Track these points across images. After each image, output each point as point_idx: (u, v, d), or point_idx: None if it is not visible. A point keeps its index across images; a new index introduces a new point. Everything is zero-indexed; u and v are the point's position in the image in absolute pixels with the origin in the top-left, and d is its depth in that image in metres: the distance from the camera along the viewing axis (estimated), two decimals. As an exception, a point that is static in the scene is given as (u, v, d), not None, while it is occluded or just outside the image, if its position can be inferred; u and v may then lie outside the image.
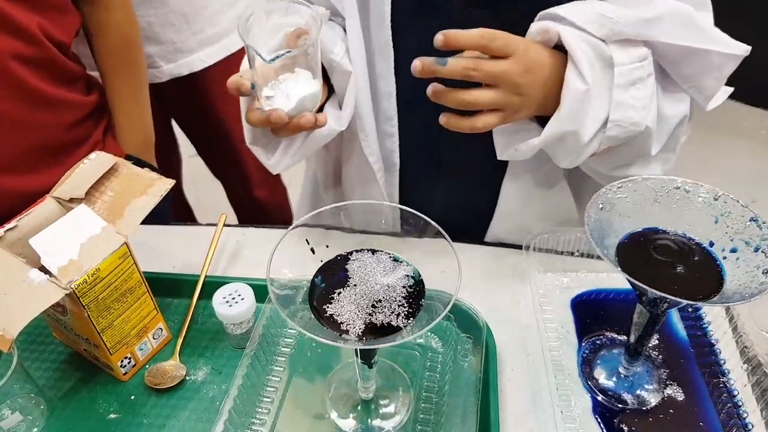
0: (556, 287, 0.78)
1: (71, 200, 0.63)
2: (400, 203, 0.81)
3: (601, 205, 0.59)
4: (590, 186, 0.81)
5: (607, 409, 0.65)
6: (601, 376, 0.68)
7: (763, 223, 0.56)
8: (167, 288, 0.75)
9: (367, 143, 0.80)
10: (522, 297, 0.77)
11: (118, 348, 0.65)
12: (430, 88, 0.63)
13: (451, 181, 0.86)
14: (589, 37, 0.65)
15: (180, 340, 0.71)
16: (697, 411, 0.65)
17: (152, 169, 0.77)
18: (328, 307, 0.53)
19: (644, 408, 0.65)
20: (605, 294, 0.77)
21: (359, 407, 0.65)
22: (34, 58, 0.83)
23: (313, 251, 0.57)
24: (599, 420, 0.65)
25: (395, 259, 0.58)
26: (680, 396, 0.66)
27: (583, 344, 0.72)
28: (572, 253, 0.81)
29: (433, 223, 0.56)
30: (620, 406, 0.65)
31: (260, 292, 0.69)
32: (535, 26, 0.66)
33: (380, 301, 0.53)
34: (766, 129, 2.69)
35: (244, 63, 0.73)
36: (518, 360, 0.70)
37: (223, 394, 0.65)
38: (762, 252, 0.55)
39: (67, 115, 0.91)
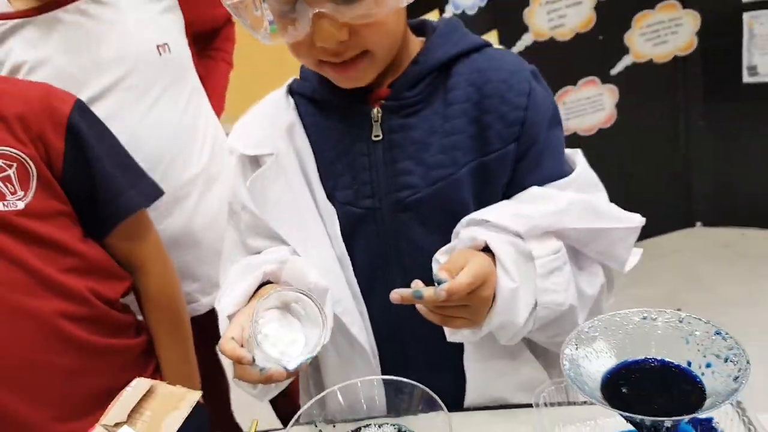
0: (579, 438, 0.80)
1: (116, 425, 0.71)
2: None
3: (576, 346, 0.64)
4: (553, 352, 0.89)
5: None
6: None
7: (726, 334, 0.60)
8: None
9: (360, 334, 0.88)
10: (546, 453, 0.78)
11: None
12: (420, 309, 0.74)
13: (419, 368, 0.89)
14: (510, 238, 0.78)
15: None
16: None
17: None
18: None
19: None
20: (627, 436, 0.78)
21: None
22: (84, 316, 0.96)
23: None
24: None
25: (399, 429, 0.63)
26: None
27: (612, 491, 0.72)
28: (583, 402, 0.83)
29: (425, 388, 0.62)
30: None
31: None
32: (465, 234, 0.80)
33: None
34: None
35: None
36: None
37: None
38: (731, 361, 0.58)
39: (118, 360, 1.02)
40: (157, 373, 1.08)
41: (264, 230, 0.91)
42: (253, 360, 0.70)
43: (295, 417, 0.62)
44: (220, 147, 1.38)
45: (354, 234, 0.87)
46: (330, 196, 0.87)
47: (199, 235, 1.30)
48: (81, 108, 1.00)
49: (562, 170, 0.86)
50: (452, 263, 0.74)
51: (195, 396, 0.73)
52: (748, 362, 0.56)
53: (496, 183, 0.85)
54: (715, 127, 2.75)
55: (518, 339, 0.82)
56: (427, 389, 0.62)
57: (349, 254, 0.88)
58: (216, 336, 1.43)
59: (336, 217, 0.87)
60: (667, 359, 0.63)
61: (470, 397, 0.90)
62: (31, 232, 0.91)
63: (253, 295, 0.83)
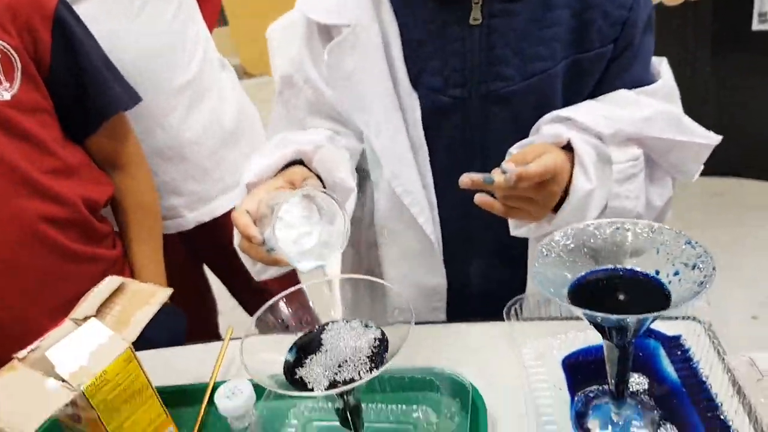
0: (548, 350, 0.80)
1: (85, 319, 0.72)
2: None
3: (545, 252, 0.64)
4: None
5: (604, 458, 0.65)
6: (595, 426, 0.69)
7: (696, 243, 0.59)
8: (180, 398, 0.81)
9: (427, 225, 0.87)
10: (515, 363, 0.79)
11: (130, 451, 0.70)
12: (479, 198, 0.73)
13: (483, 260, 0.94)
14: (592, 140, 0.77)
15: (191, 443, 0.75)
16: (695, 447, 0.64)
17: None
18: (298, 370, 0.58)
19: (641, 451, 0.65)
20: (595, 350, 0.79)
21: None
22: (65, 221, 0.96)
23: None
24: (597, 469, 0.64)
25: (366, 325, 0.63)
26: (675, 433, 0.66)
27: (576, 398, 0.73)
28: (559, 317, 0.84)
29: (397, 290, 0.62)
30: (617, 452, 0.65)
31: (260, 387, 0.74)
32: (547, 129, 0.78)
33: (346, 361, 0.58)
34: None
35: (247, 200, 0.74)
36: (512, 422, 0.71)
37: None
38: (698, 268, 0.58)
39: (97, 269, 1.03)
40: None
41: (327, 109, 0.88)
42: (264, 242, 0.66)
43: (263, 308, 0.61)
44: (211, 62, 1.35)
45: (437, 124, 0.84)
46: (414, 81, 0.82)
47: (186, 150, 1.29)
48: (65, 3, 0.97)
49: (648, 77, 0.84)
50: (525, 153, 0.72)
51: (165, 293, 0.73)
52: (714, 269, 0.56)
53: (587, 83, 0.83)
54: (721, 75, 2.70)
55: None
56: (399, 292, 0.62)
57: (427, 144, 0.84)
58: (203, 251, 1.46)
59: (418, 103, 0.82)
60: (636, 268, 0.63)
61: (530, 291, 0.91)
62: (16, 126, 0.90)
63: (281, 170, 0.80)
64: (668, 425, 0.67)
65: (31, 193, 0.92)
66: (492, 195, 0.73)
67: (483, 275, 0.95)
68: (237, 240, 0.77)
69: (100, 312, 0.72)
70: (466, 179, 0.69)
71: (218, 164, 1.34)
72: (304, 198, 0.69)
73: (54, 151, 0.95)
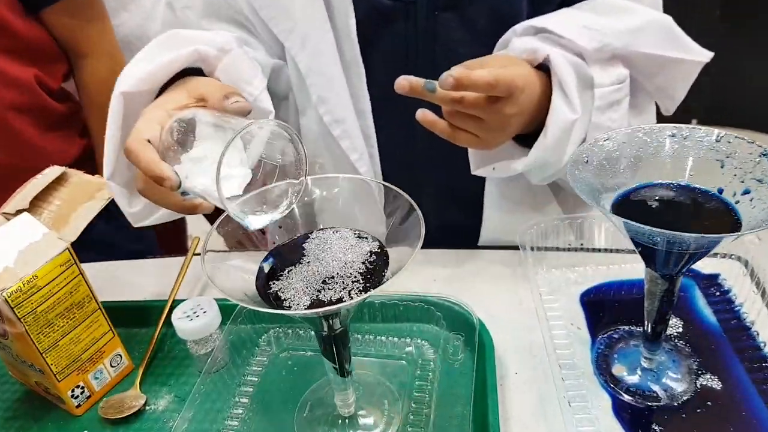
0: (564, 284, 0.70)
1: (17, 212, 0.59)
2: None
3: (586, 159, 0.52)
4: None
5: (631, 408, 0.55)
6: (622, 371, 0.59)
7: (776, 155, 0.48)
8: (133, 317, 0.69)
9: (361, 163, 0.73)
10: (525, 298, 0.68)
11: (67, 374, 0.58)
12: (420, 113, 0.60)
13: (430, 203, 0.77)
14: (571, 57, 0.63)
15: (141, 369, 0.64)
16: (740, 400, 0.54)
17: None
18: (273, 283, 0.46)
19: (675, 403, 0.55)
20: (618, 286, 0.69)
21: (339, 424, 0.56)
22: (29, 107, 0.85)
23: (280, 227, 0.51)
24: (622, 421, 0.54)
25: (359, 236, 0.51)
26: (717, 386, 0.56)
27: (598, 339, 0.62)
28: (577, 249, 0.73)
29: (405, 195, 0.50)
30: (647, 403, 0.55)
31: (226, 307, 0.63)
32: (519, 43, 0.64)
33: (333, 277, 0.46)
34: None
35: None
36: (523, 363, 0.61)
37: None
38: (778, 185, 0.47)
39: (59, 160, 0.90)
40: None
41: (230, 11, 0.71)
42: (179, 186, 0.47)
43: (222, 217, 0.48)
44: None
45: (375, 36, 0.69)
46: None
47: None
48: None
49: None
50: (483, 61, 0.58)
51: (115, 187, 0.60)
52: (802, 185, 0.45)
53: None
54: (730, 20, 2.57)
55: (552, 180, 0.70)
56: (411, 200, 0.49)
57: (363, 61, 0.69)
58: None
59: (352, 9, 0.66)
60: (692, 184, 0.52)
61: (484, 237, 0.79)
62: None
63: (173, 80, 0.60)
64: (708, 375, 0.57)
65: None
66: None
67: (429, 219, 0.79)
68: (108, 170, 0.58)
69: (34, 205, 0.59)
70: (404, 82, 0.56)
71: None
72: (216, 127, 0.48)
73: (14, 30, 0.83)
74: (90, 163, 0.96)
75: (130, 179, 0.60)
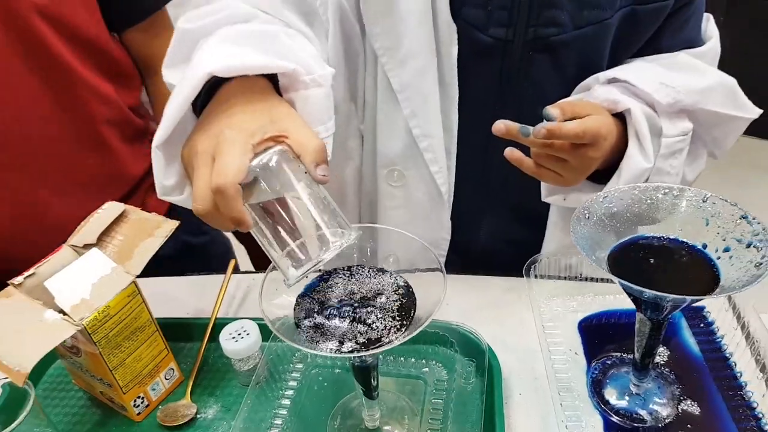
0: (564, 311, 0.78)
1: (85, 246, 0.67)
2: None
3: (587, 215, 0.60)
4: None
5: (620, 428, 0.64)
6: (612, 395, 0.67)
7: (753, 219, 0.56)
8: (180, 332, 0.77)
9: (439, 175, 0.81)
10: (529, 323, 0.77)
11: (131, 387, 0.67)
12: (509, 152, 0.69)
13: (495, 218, 0.88)
14: (646, 109, 0.71)
15: (191, 381, 0.72)
16: (716, 425, 0.63)
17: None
18: (314, 318, 0.54)
19: (659, 425, 0.63)
20: (613, 315, 0.77)
21: (366, 436, 0.65)
22: (117, 121, 0.95)
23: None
24: (612, 439, 0.63)
25: (381, 270, 0.59)
26: (696, 410, 0.64)
27: (593, 365, 0.71)
28: (576, 278, 0.81)
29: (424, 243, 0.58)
30: (634, 425, 0.64)
31: (266, 329, 0.71)
32: (603, 92, 0.72)
33: (369, 314, 0.54)
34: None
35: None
36: (526, 385, 0.69)
37: (232, 430, 0.66)
38: (754, 247, 0.54)
39: (138, 169, 1.02)
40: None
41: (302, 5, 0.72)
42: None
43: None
44: None
45: (472, 65, 0.75)
46: (455, 12, 0.72)
47: None
48: None
49: (699, 36, 0.79)
50: (574, 105, 0.66)
51: (171, 225, 0.68)
52: (774, 250, 0.52)
53: (639, 38, 0.76)
54: (735, 24, 2.61)
55: None
56: (428, 245, 0.57)
57: (459, 85, 0.76)
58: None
59: (456, 38, 0.73)
60: (681, 239, 0.59)
61: (545, 251, 0.87)
62: (64, 22, 0.84)
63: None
64: (688, 401, 0.65)
65: (88, 93, 0.90)
66: (526, 152, 0.69)
67: (492, 233, 0.90)
68: (197, 202, 0.52)
69: (100, 240, 0.67)
70: (502, 126, 0.64)
71: None
72: None
73: (104, 48, 0.91)
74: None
75: (175, 153, 0.59)
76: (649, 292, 0.51)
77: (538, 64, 0.74)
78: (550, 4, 0.70)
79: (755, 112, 0.76)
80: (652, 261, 0.58)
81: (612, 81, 0.73)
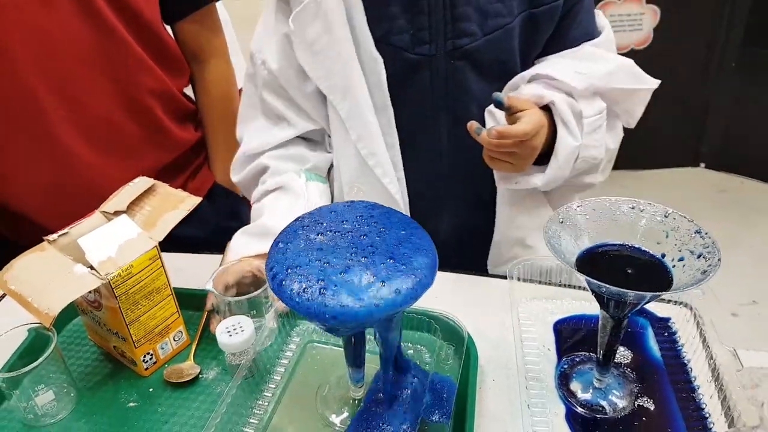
0: (542, 312, 0.85)
1: (115, 213, 0.75)
2: None
3: (561, 220, 0.67)
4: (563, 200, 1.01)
5: (581, 418, 0.70)
6: (578, 388, 0.73)
7: (706, 233, 0.63)
8: (192, 301, 0.85)
9: (392, 186, 0.92)
10: (509, 320, 0.83)
11: (142, 342, 0.74)
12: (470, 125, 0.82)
13: (451, 212, 0.99)
14: (566, 97, 0.85)
15: (194, 345, 0.80)
16: (668, 420, 0.69)
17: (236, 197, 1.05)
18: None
19: (617, 416, 0.70)
20: (586, 319, 0.83)
21: (351, 403, 0.72)
22: (164, 96, 1.04)
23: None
24: (572, 427, 0.69)
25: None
26: (651, 406, 0.70)
27: (562, 360, 0.77)
28: (557, 284, 0.88)
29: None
30: (594, 415, 0.70)
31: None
32: (528, 90, 0.85)
33: None
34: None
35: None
36: (500, 372, 0.76)
37: (230, 390, 0.73)
38: (703, 257, 0.61)
39: (182, 145, 1.11)
40: (203, 165, 1.18)
41: (281, 91, 0.92)
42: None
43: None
44: None
45: (402, 83, 0.88)
46: (380, 42, 0.85)
47: None
48: None
49: (594, 28, 0.93)
50: (518, 100, 0.81)
51: (195, 200, 0.76)
52: (719, 260, 0.59)
53: (541, 36, 0.90)
54: (745, 72, 2.69)
55: (553, 186, 0.91)
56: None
57: (393, 105, 0.89)
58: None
59: (383, 65, 0.86)
60: (643, 248, 0.66)
61: (498, 233, 0.99)
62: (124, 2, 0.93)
63: None
64: (645, 398, 0.71)
65: (139, 68, 0.99)
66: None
67: (453, 225, 1.01)
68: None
69: (130, 209, 0.75)
70: (470, 124, 0.80)
71: None
72: None
73: (157, 32, 1.00)
74: (202, 150, 1.17)
75: None
76: (609, 288, 0.58)
77: (460, 70, 0.87)
78: (460, 19, 0.84)
79: (654, 83, 0.92)
80: (615, 264, 0.65)
81: (534, 77, 0.87)
